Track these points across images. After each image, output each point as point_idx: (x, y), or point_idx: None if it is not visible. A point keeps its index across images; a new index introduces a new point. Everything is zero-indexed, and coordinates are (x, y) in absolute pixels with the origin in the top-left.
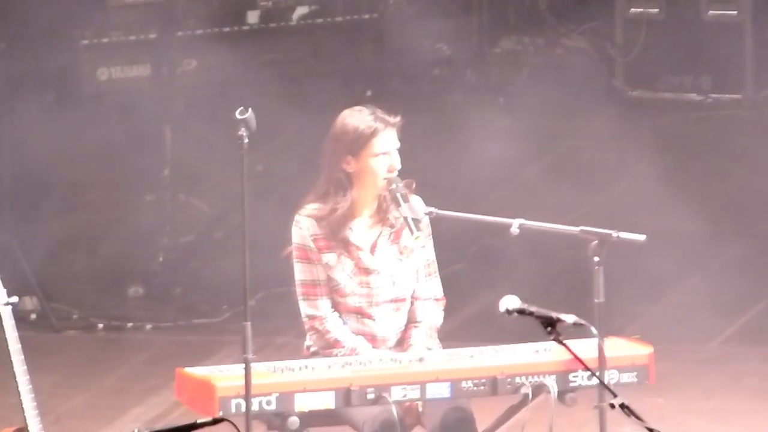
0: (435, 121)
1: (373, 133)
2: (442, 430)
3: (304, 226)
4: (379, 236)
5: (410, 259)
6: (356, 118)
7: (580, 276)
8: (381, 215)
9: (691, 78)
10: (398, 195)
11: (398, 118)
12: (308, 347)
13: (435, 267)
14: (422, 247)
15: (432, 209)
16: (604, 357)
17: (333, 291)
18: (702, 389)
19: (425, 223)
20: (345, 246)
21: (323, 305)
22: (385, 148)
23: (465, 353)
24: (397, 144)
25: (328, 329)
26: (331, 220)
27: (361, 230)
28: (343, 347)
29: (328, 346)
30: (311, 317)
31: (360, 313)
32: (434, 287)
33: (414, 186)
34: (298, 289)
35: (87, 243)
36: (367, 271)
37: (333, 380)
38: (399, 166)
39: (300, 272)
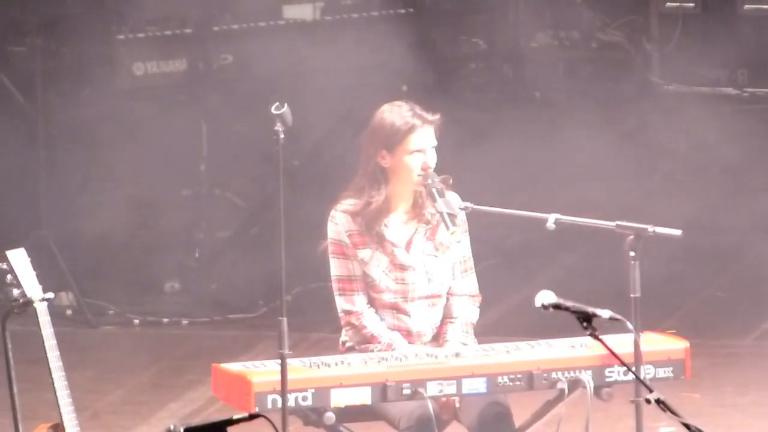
0: (471, 115)
1: (410, 130)
2: (479, 425)
3: (339, 222)
4: (414, 233)
5: (445, 256)
6: (394, 113)
7: (616, 271)
8: (416, 211)
9: (727, 72)
10: (434, 190)
11: (437, 116)
12: (343, 343)
13: (471, 263)
14: (458, 243)
15: (468, 204)
16: (639, 352)
17: (369, 287)
18: (738, 384)
19: (461, 218)
20: (380, 242)
21: (359, 300)
22: (420, 146)
23: (501, 348)
24: (434, 142)
25: (364, 324)
26: (365, 215)
27: (396, 226)
28: (380, 342)
29: (364, 341)
30: (347, 312)
31: (395, 309)
32: (470, 283)
33: (451, 182)
34: (334, 285)
35: (123, 238)
36: (402, 268)
37: (369, 375)
38: (433, 165)
39: (336, 267)
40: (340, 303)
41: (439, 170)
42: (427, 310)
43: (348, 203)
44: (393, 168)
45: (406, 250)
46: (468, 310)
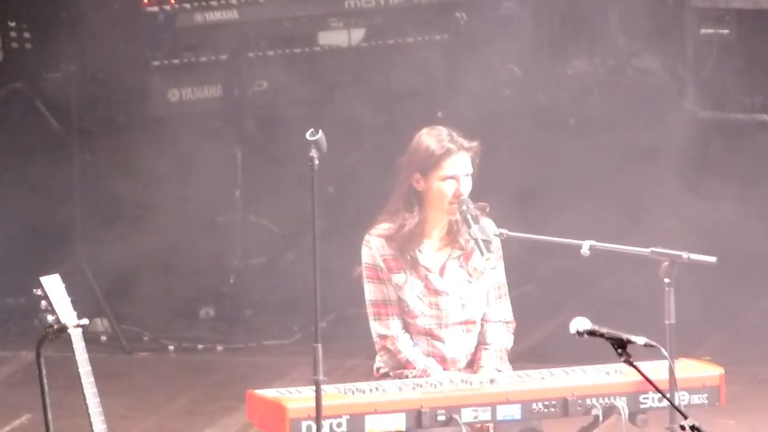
0: (506, 142)
1: (444, 155)
2: None
3: (373, 246)
4: (448, 258)
5: (480, 282)
6: (432, 137)
7: (651, 297)
8: (451, 237)
9: (762, 98)
10: (469, 216)
11: (475, 143)
12: (378, 369)
13: (505, 290)
14: (492, 269)
15: (503, 231)
16: (674, 378)
17: (403, 312)
18: None
19: (496, 245)
20: (414, 267)
21: (394, 325)
22: (453, 172)
23: (536, 375)
24: (469, 170)
25: (399, 349)
26: (399, 238)
27: (430, 251)
28: (414, 368)
29: (399, 367)
30: (383, 337)
31: (430, 335)
32: (504, 310)
33: (488, 209)
34: (369, 309)
35: (158, 265)
36: (436, 293)
37: (404, 402)
38: (467, 192)
39: (371, 292)
40: (375, 327)
41: (474, 196)
42: (462, 336)
43: (383, 227)
44: (426, 192)
45: (440, 275)
46: (502, 337)
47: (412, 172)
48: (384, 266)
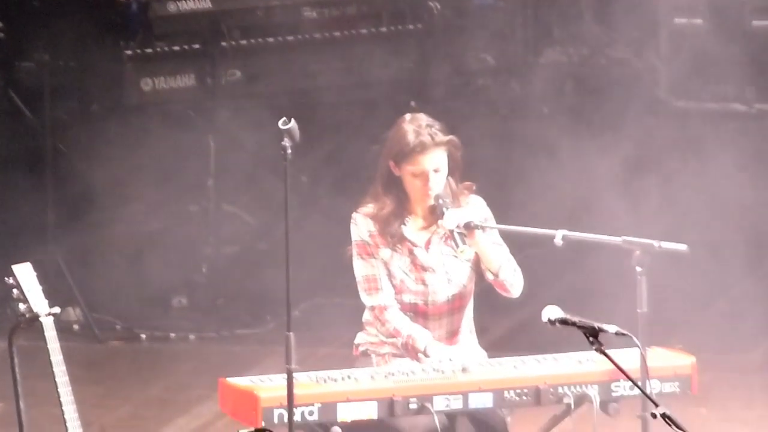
0: (479, 131)
1: (416, 150)
2: None
3: (360, 223)
4: (433, 234)
5: (464, 256)
6: (410, 126)
7: (623, 286)
8: (435, 215)
9: (735, 88)
10: (444, 210)
11: (450, 137)
12: (357, 346)
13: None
14: (468, 261)
15: (473, 221)
16: (646, 367)
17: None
18: (745, 399)
19: (488, 216)
20: (400, 241)
21: (384, 296)
22: (423, 168)
23: (508, 363)
24: (442, 166)
25: (387, 318)
26: (381, 218)
27: (414, 228)
28: (401, 335)
29: (388, 335)
30: (373, 307)
31: (415, 312)
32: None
33: (474, 188)
34: (361, 285)
35: (131, 254)
36: (423, 269)
37: (376, 390)
38: (435, 188)
39: (361, 268)
40: (366, 299)
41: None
42: (448, 314)
43: (367, 208)
44: (403, 178)
45: (425, 249)
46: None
47: (388, 158)
48: (371, 242)
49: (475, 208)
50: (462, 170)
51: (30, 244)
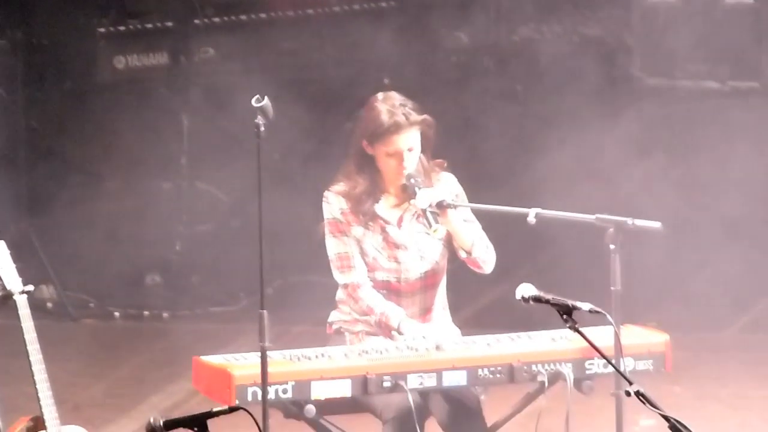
0: (452, 109)
1: (390, 130)
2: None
3: (332, 201)
4: (404, 212)
5: (438, 235)
6: (384, 106)
7: (597, 264)
8: (407, 194)
9: (708, 66)
10: (416, 189)
11: (424, 116)
12: (331, 324)
13: (478, 227)
14: (440, 240)
15: (445, 200)
16: (620, 345)
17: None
18: (718, 376)
19: (459, 194)
20: (373, 219)
21: (357, 273)
22: (397, 148)
23: (481, 341)
24: (415, 145)
25: (360, 296)
26: (354, 196)
27: (386, 205)
28: (374, 313)
29: (362, 313)
30: (346, 285)
31: (388, 289)
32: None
33: (445, 165)
34: (333, 263)
35: (104, 231)
36: (395, 246)
37: (349, 368)
38: (410, 168)
39: (333, 246)
40: (339, 277)
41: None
42: (421, 291)
43: (339, 186)
44: (376, 158)
45: (397, 226)
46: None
47: (361, 137)
48: (343, 219)
49: (446, 185)
50: (434, 147)
51: (3, 222)
